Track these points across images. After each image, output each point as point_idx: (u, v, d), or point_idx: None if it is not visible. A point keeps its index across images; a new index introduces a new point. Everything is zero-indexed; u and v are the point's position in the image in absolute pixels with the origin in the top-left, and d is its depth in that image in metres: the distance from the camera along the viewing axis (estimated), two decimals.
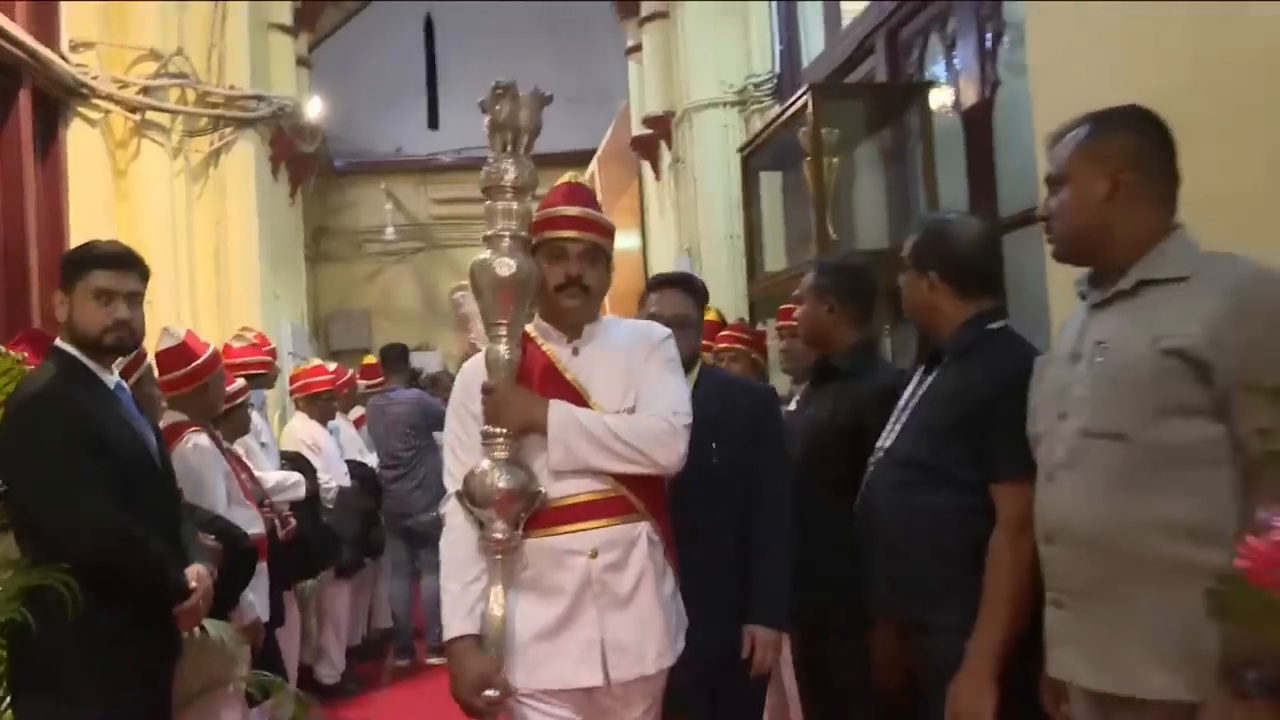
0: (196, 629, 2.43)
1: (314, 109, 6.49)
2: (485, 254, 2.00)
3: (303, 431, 4.95)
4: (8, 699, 2.22)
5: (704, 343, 2.89)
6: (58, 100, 4.84)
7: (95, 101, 4.93)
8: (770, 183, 5.26)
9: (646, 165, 7.58)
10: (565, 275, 2.01)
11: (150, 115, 5.13)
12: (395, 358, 5.91)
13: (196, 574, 2.29)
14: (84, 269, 2.28)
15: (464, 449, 2.02)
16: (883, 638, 2.16)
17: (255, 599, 3.12)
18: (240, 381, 3.82)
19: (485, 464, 1.94)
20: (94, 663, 2.07)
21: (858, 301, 2.53)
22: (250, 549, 2.96)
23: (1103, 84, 2.15)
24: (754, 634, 2.33)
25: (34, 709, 2.09)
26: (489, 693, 1.89)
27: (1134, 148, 1.62)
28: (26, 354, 2.59)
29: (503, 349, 2.00)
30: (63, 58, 4.78)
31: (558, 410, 1.95)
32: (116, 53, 5.09)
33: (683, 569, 2.09)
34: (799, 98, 4.00)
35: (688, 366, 2.33)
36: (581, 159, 9.76)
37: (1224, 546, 1.32)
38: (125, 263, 2.34)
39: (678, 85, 6.29)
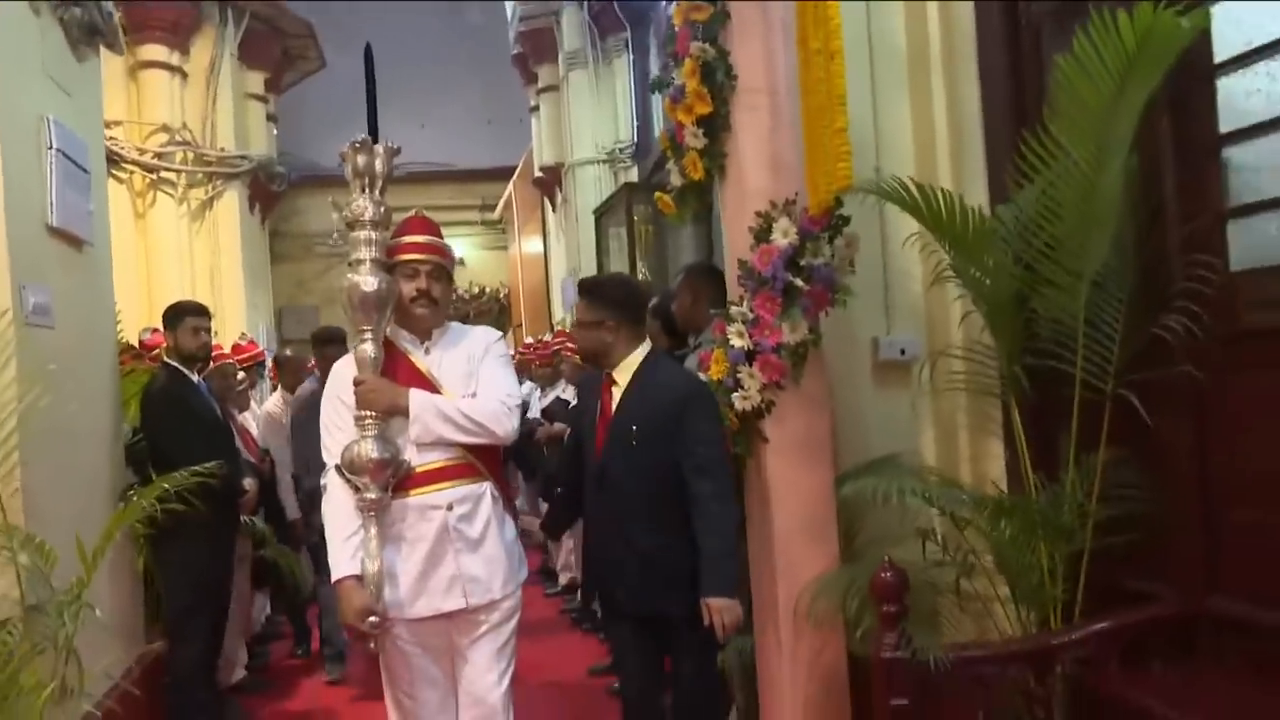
0: (245, 519, 4.33)
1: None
2: (351, 275, 2.33)
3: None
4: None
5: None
6: None
7: (124, 165, 6.69)
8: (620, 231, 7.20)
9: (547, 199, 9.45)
10: (417, 290, 2.37)
11: (162, 174, 6.91)
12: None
13: (248, 483, 4.19)
14: (183, 315, 4.12)
15: (339, 429, 2.36)
16: None
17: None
18: (242, 374, 5.65)
19: (359, 440, 2.28)
20: (200, 527, 3.84)
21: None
22: (270, 481, 4.86)
23: None
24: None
25: (171, 548, 3.88)
26: (371, 619, 2.25)
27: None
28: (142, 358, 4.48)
29: (369, 349, 2.33)
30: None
31: (417, 396, 2.31)
32: (136, 128, 6.85)
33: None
34: (618, 191, 5.94)
35: (608, 358, 2.66)
36: (501, 174, 11.49)
37: None
38: (205, 312, 4.21)
39: (565, 144, 8.15)
